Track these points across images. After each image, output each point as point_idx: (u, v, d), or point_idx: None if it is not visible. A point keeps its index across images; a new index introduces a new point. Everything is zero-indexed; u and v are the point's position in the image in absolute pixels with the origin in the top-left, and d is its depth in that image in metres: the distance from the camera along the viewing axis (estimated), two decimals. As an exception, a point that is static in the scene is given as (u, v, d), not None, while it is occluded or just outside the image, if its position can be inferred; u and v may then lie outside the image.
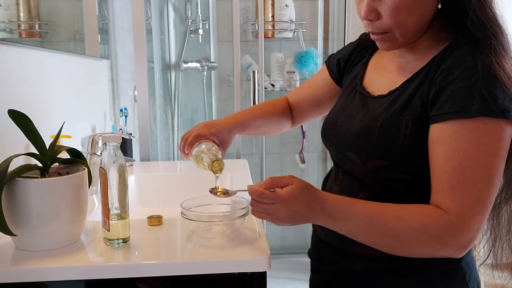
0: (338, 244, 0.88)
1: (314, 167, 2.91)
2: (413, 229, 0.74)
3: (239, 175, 1.43)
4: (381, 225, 0.75)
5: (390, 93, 0.85)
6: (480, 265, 0.90)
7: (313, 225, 0.98)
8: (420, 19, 0.80)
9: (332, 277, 0.91)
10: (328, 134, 0.95)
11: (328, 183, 0.96)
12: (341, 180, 0.91)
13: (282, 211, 0.75)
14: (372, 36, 0.85)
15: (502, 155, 0.74)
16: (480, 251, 0.92)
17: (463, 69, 0.74)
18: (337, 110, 0.95)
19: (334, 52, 1.10)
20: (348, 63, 1.01)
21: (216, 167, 0.89)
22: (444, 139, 0.74)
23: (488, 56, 0.74)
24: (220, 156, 0.91)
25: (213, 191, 0.89)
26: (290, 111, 1.13)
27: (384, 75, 0.90)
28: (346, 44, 1.06)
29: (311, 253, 0.99)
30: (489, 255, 0.88)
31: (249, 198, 0.80)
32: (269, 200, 0.75)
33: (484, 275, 2.40)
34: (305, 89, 1.10)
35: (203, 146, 0.93)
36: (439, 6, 0.79)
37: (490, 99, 0.71)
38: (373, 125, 0.82)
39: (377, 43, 0.86)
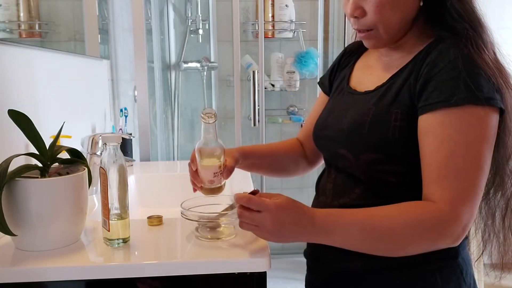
0: None
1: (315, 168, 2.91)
2: (407, 225, 0.74)
3: (239, 177, 1.42)
4: (376, 228, 0.75)
5: (377, 88, 0.86)
6: (475, 261, 0.90)
7: None
8: (403, 16, 0.82)
9: (330, 276, 0.91)
10: (320, 135, 0.96)
11: (321, 183, 0.97)
12: (334, 178, 0.91)
13: (269, 221, 0.74)
14: (359, 35, 0.87)
15: (490, 142, 0.75)
16: (475, 249, 0.92)
17: (448, 61, 0.76)
18: (326, 112, 0.97)
19: (334, 51, 1.11)
20: (336, 70, 1.03)
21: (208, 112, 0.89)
22: (433, 129, 0.75)
23: (468, 48, 0.77)
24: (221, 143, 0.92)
25: (204, 221, 0.89)
26: (302, 147, 1.10)
27: (371, 73, 0.92)
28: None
29: (307, 253, 0.99)
30: (483, 251, 0.89)
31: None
32: (256, 206, 0.74)
33: (485, 275, 2.40)
34: (309, 119, 1.09)
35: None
36: (421, 3, 0.81)
37: (475, 88, 0.73)
38: (363, 120, 0.83)
39: (363, 42, 0.88)
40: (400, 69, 0.85)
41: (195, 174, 0.95)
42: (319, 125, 0.96)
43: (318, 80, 1.09)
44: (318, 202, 0.94)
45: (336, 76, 1.02)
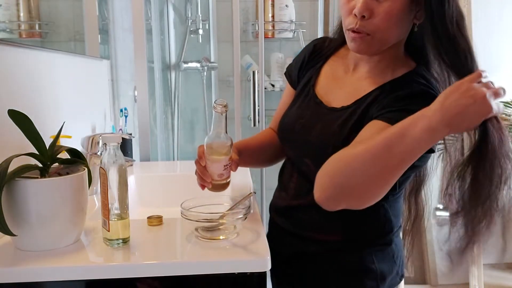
0: (294, 230, 0.98)
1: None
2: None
3: (239, 176, 1.43)
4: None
5: (343, 108, 0.91)
6: (407, 259, 1.05)
7: (271, 211, 1.06)
8: (399, 34, 0.87)
9: (289, 256, 0.99)
10: (286, 139, 1.00)
11: (284, 178, 1.03)
12: (296, 180, 0.98)
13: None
14: (352, 35, 0.87)
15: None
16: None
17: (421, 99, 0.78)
18: (293, 115, 0.99)
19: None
20: (302, 67, 1.05)
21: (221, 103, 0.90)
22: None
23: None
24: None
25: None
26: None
27: (340, 88, 0.95)
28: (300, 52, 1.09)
29: (269, 236, 1.02)
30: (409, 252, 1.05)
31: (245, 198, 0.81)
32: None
33: (484, 275, 2.40)
34: (279, 112, 1.09)
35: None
36: (416, 29, 0.86)
37: None
38: (330, 141, 0.88)
39: (352, 43, 0.88)
40: (365, 95, 0.89)
41: (204, 170, 0.95)
42: (285, 128, 1.00)
43: (285, 71, 1.10)
44: (280, 196, 1.03)
45: (304, 74, 1.04)
